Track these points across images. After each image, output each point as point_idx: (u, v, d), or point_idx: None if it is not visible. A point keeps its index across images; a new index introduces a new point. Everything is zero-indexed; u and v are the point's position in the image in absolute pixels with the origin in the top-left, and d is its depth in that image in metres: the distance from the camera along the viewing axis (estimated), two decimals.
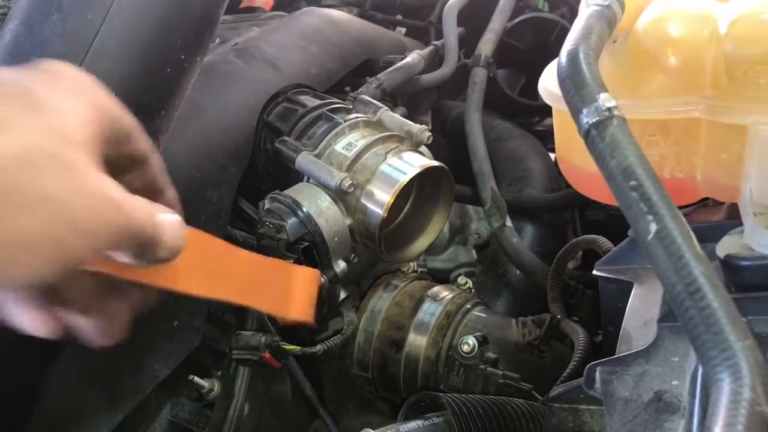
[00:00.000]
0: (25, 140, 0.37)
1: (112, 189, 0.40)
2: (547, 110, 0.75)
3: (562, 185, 1.17)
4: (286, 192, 0.84)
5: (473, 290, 1.11)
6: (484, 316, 0.93)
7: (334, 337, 0.85)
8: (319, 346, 0.83)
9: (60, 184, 0.37)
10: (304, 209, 0.82)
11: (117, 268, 0.45)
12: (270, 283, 0.61)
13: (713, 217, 0.74)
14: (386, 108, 0.94)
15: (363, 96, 0.98)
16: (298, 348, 0.82)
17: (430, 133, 0.91)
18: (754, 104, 0.61)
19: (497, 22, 1.35)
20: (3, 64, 0.58)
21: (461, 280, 1.15)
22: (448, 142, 1.39)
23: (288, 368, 0.93)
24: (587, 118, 0.52)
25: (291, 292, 0.62)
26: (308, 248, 0.82)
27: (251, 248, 0.92)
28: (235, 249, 0.58)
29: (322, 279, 0.84)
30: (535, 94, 1.32)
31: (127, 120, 0.47)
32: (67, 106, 0.41)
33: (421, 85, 1.24)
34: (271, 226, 0.81)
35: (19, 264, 0.36)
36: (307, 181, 0.87)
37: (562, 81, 0.56)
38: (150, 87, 0.63)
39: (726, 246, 0.61)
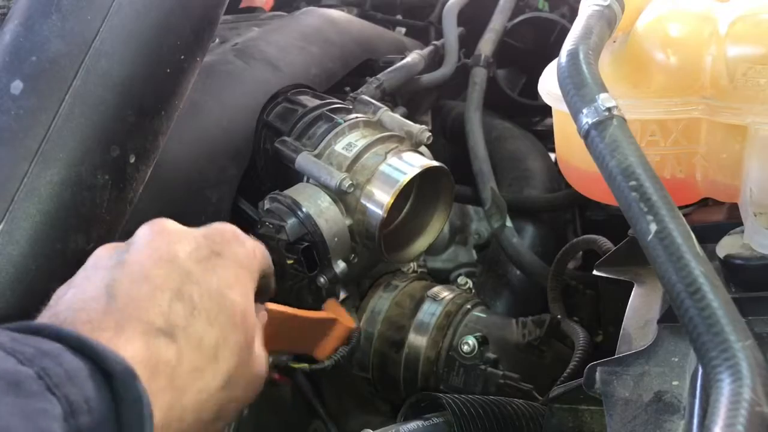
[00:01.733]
0: (229, 367, 0.51)
1: (264, 364, 0.57)
2: (547, 110, 0.75)
3: (562, 185, 1.17)
4: (286, 192, 0.84)
5: (473, 290, 1.11)
6: (484, 316, 0.93)
7: (341, 349, 0.85)
8: (327, 362, 0.83)
9: (245, 389, 0.54)
10: (304, 209, 0.82)
11: None
12: (316, 333, 0.75)
13: (713, 217, 0.74)
14: (386, 108, 0.94)
15: (363, 96, 0.97)
16: (307, 365, 0.82)
17: (430, 133, 0.90)
18: (754, 104, 0.61)
19: (497, 22, 1.35)
20: (3, 65, 0.58)
21: (461, 280, 1.14)
22: (448, 142, 1.39)
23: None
24: (587, 118, 0.52)
25: (327, 339, 0.76)
26: (308, 248, 0.82)
27: None
28: (296, 313, 0.70)
29: (322, 280, 0.84)
30: (535, 94, 1.32)
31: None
32: (248, 305, 0.54)
33: (421, 85, 1.24)
34: (271, 226, 0.81)
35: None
36: (307, 181, 0.86)
37: (562, 81, 0.56)
38: (150, 87, 0.63)
39: (726, 246, 0.61)
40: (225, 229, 0.58)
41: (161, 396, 0.45)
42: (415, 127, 0.90)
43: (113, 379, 0.41)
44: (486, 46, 1.31)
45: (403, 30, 1.62)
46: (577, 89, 0.54)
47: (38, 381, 0.38)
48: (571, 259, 0.96)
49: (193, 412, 0.47)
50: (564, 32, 1.13)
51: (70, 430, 0.38)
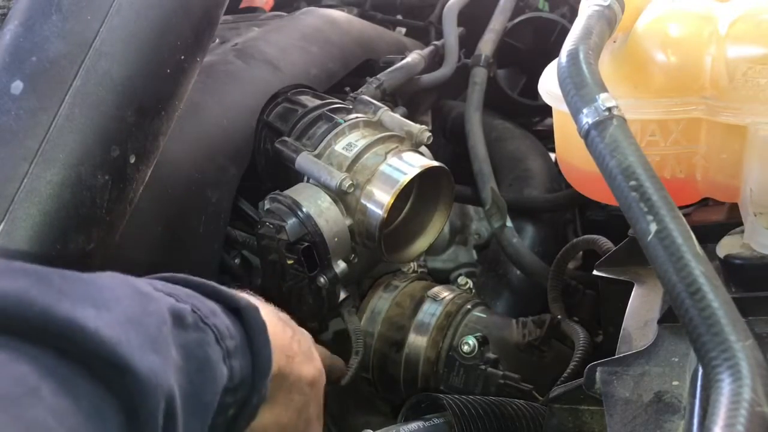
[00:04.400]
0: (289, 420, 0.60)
1: None
2: (547, 110, 0.75)
3: (562, 185, 1.17)
4: (286, 192, 0.84)
5: (473, 290, 1.10)
6: (485, 316, 0.93)
7: (352, 361, 0.86)
8: (344, 381, 0.84)
9: None
10: (304, 210, 0.82)
11: None
12: None
13: (713, 217, 0.74)
14: (386, 108, 0.94)
15: (363, 96, 0.97)
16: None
17: (430, 134, 0.90)
18: (754, 104, 0.61)
19: (497, 22, 1.35)
20: (3, 65, 0.58)
21: (461, 280, 1.14)
22: (448, 142, 1.39)
23: None
24: (587, 118, 0.52)
25: None
26: (308, 249, 0.82)
27: (251, 249, 0.92)
28: None
29: (322, 280, 0.83)
30: (535, 94, 1.32)
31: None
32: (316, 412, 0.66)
33: (421, 85, 1.24)
34: (271, 226, 0.81)
35: None
36: (307, 181, 0.87)
37: (562, 81, 0.56)
38: (150, 88, 0.63)
39: (726, 246, 0.61)
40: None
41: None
42: (415, 127, 0.90)
43: (242, 313, 0.50)
44: (486, 46, 1.31)
45: (403, 30, 1.62)
46: (577, 89, 0.54)
47: (193, 314, 0.46)
48: (571, 259, 0.96)
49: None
50: (564, 32, 1.13)
51: (222, 351, 0.46)
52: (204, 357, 0.44)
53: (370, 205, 0.83)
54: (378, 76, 1.10)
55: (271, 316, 0.57)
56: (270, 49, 1.04)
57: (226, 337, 0.47)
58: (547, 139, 1.32)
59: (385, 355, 0.92)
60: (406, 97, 1.23)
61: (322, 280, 0.83)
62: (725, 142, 0.64)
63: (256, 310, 0.51)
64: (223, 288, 0.51)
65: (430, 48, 1.33)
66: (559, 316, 0.90)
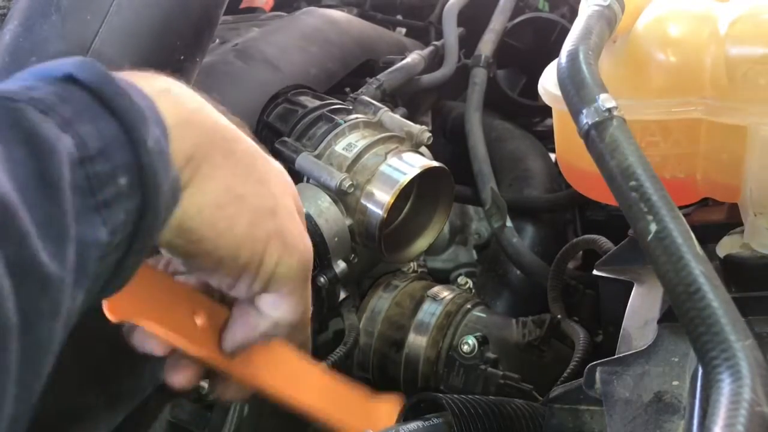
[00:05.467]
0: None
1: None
2: (547, 110, 0.75)
3: (562, 185, 1.17)
4: None
5: (473, 290, 1.11)
6: (485, 316, 0.93)
7: (338, 349, 0.85)
8: (324, 363, 0.83)
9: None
10: (304, 210, 0.81)
11: (216, 360, 0.56)
12: (348, 408, 0.65)
13: (713, 217, 0.74)
14: (386, 108, 0.94)
15: (363, 96, 0.97)
16: None
17: (430, 134, 0.91)
18: (754, 104, 0.61)
19: (497, 22, 1.35)
20: (2, 65, 0.58)
21: (461, 280, 1.14)
22: (448, 142, 1.39)
23: None
24: (587, 119, 0.52)
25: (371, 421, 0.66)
26: None
27: None
28: (316, 369, 0.64)
29: (322, 280, 0.83)
30: (536, 95, 1.32)
31: None
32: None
33: (421, 86, 1.24)
34: None
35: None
36: (307, 181, 0.87)
37: (562, 81, 0.56)
38: None
39: (726, 246, 0.61)
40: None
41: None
42: (415, 128, 0.90)
43: (77, 78, 0.42)
44: (486, 46, 1.31)
45: (403, 30, 1.62)
46: (577, 90, 0.54)
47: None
48: (571, 259, 0.96)
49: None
50: (564, 32, 1.12)
51: (53, 120, 0.38)
52: (29, 132, 0.36)
53: (370, 205, 0.84)
54: (378, 76, 1.10)
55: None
56: (270, 49, 1.04)
57: (54, 104, 0.39)
58: (547, 139, 1.32)
59: (384, 355, 0.92)
60: (406, 98, 1.23)
61: (322, 280, 0.83)
62: (725, 142, 0.64)
63: (94, 64, 0.43)
64: (51, 62, 0.43)
65: (430, 48, 1.33)
66: (559, 316, 0.89)
